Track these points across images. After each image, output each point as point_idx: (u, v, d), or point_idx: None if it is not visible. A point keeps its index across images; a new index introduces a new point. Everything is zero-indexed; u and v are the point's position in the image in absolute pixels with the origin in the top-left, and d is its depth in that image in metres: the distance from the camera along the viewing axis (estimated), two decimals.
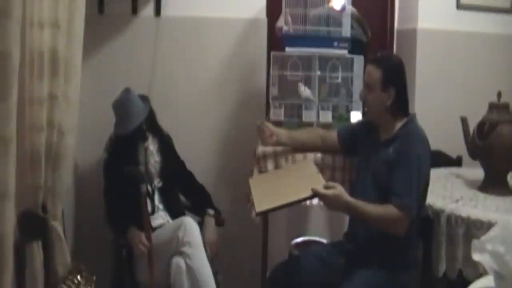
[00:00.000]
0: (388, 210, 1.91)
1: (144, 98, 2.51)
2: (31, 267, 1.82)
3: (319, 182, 1.95)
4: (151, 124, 2.52)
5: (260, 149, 2.38)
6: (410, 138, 2.01)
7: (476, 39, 3.19)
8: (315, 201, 2.50)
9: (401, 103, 2.07)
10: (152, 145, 2.51)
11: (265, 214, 2.00)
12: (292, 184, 2.09)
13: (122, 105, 2.42)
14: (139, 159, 2.46)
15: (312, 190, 1.89)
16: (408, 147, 1.98)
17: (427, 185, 2.03)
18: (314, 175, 2.08)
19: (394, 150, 2.01)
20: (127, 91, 2.45)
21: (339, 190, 1.90)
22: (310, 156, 2.49)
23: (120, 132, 2.42)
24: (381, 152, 2.06)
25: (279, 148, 2.37)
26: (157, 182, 2.50)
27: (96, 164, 2.68)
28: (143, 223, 2.23)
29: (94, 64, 2.69)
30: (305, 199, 1.95)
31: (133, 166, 2.32)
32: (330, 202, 1.90)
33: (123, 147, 2.43)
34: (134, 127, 2.39)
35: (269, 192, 2.09)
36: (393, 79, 2.03)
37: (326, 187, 1.90)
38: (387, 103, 2.03)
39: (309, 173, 2.11)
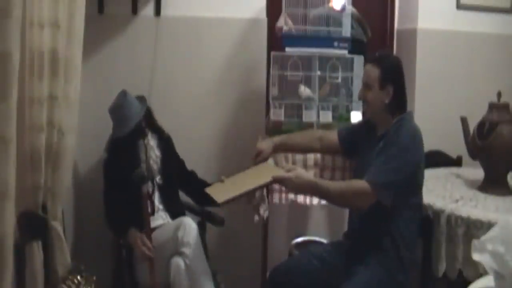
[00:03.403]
0: (352, 183, 1.96)
1: (141, 99, 2.52)
2: (31, 267, 1.82)
3: (279, 171, 2.01)
4: (149, 121, 2.54)
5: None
6: (397, 131, 2.01)
7: (476, 39, 3.19)
8: (315, 201, 2.52)
9: (399, 101, 2.08)
10: (152, 141, 2.53)
11: (228, 203, 2.05)
12: (252, 177, 2.14)
13: (118, 108, 2.43)
14: (141, 156, 2.46)
15: (272, 176, 1.93)
16: (392, 137, 1.99)
17: (412, 173, 1.99)
18: (272, 168, 2.15)
19: (383, 142, 2.02)
20: (123, 93, 2.45)
21: (299, 170, 1.95)
22: (310, 156, 2.49)
23: (118, 135, 2.43)
24: (375, 148, 2.06)
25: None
26: (158, 179, 2.50)
27: (96, 164, 2.68)
28: (144, 224, 2.23)
29: (94, 64, 2.69)
30: (266, 185, 2.03)
31: (139, 169, 2.29)
32: (292, 184, 1.93)
33: (123, 148, 2.43)
34: (132, 128, 2.40)
35: (229, 187, 2.16)
36: (391, 77, 2.05)
37: (287, 171, 1.94)
38: (385, 101, 2.05)
39: (268, 168, 2.18)
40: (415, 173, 2.01)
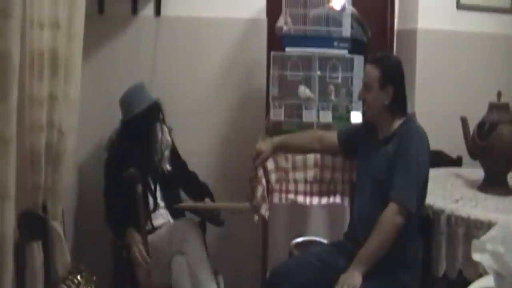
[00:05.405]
0: (382, 224, 1.93)
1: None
2: (31, 267, 1.82)
3: None
4: (161, 114, 2.54)
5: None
6: (409, 135, 2.02)
7: (476, 39, 3.19)
8: (315, 201, 2.52)
9: (399, 102, 2.08)
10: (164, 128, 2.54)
11: None
12: None
13: (135, 90, 2.44)
14: (158, 136, 2.47)
15: None
16: (407, 144, 1.99)
17: (426, 182, 2.04)
18: None
19: (393, 147, 2.02)
20: (140, 83, 2.49)
21: (342, 279, 1.92)
22: (310, 156, 2.48)
23: (135, 112, 2.40)
24: (380, 150, 2.06)
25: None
26: (167, 167, 2.51)
27: (96, 164, 2.68)
28: (141, 230, 2.22)
29: (94, 64, 2.69)
30: None
31: (131, 169, 2.28)
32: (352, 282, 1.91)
33: (139, 129, 2.42)
34: (147, 106, 2.41)
35: None
36: (391, 77, 2.05)
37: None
38: (385, 101, 2.05)
39: None
40: (428, 175, 2.05)
